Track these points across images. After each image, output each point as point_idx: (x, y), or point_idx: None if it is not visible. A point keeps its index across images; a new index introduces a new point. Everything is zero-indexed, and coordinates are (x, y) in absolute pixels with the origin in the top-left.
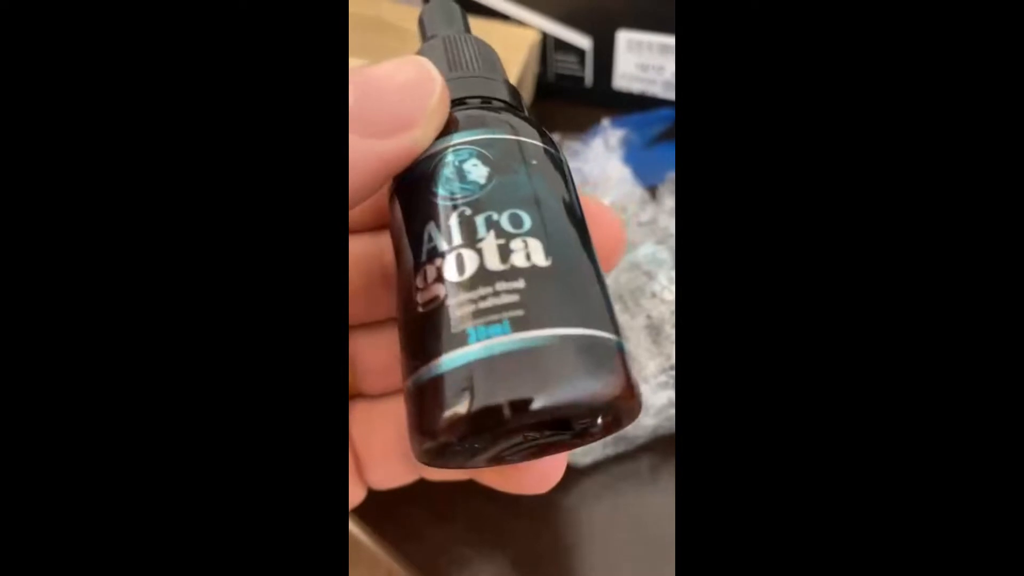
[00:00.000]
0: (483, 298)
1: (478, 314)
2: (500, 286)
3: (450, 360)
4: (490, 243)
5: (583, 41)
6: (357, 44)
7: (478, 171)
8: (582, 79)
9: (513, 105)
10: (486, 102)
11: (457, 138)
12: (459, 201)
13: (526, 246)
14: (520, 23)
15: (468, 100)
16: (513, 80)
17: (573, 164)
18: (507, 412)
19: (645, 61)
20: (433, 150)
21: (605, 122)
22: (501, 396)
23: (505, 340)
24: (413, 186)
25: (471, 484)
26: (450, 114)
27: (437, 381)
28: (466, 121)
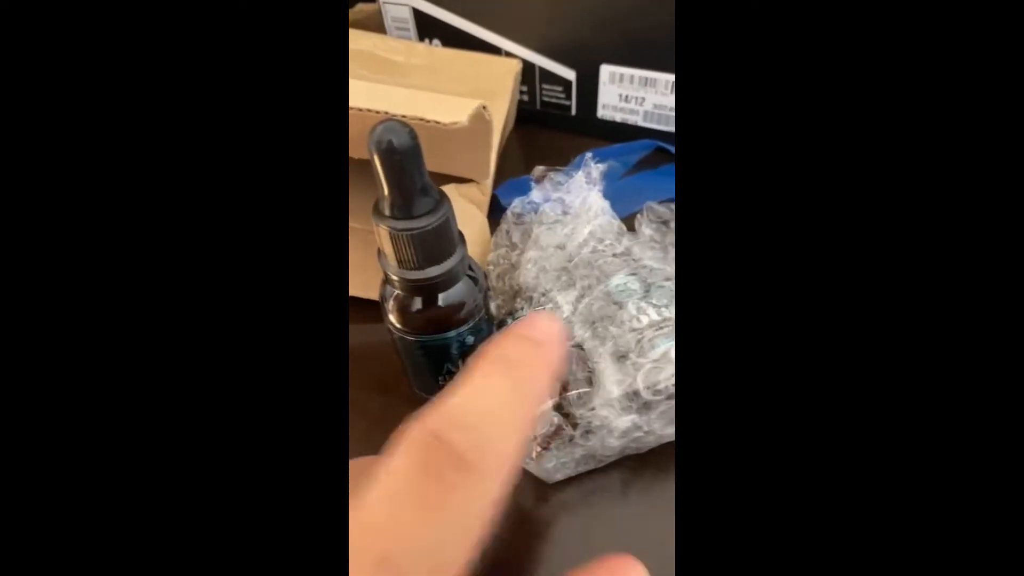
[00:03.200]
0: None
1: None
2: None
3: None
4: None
5: (568, 73)
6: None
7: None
8: (569, 107)
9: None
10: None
11: (465, 327)
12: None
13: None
14: (506, 54)
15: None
16: (504, 107)
17: (557, 194)
18: None
19: (626, 92)
20: (453, 333)
21: (588, 155)
22: None
23: None
24: (438, 348)
25: None
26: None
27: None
28: (462, 315)
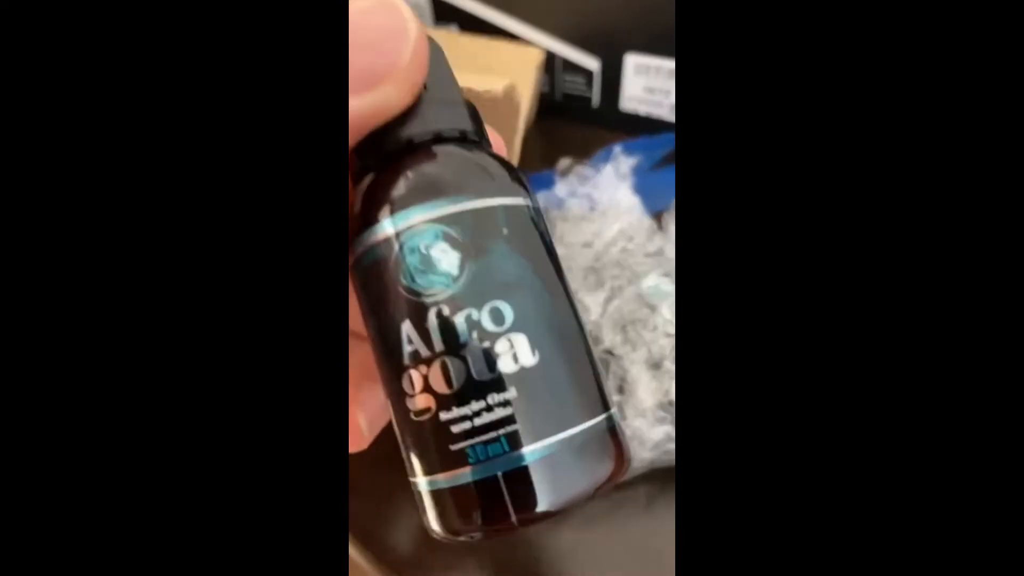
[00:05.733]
0: (476, 414)
1: (474, 432)
2: (492, 399)
3: (453, 479)
4: (474, 348)
5: (591, 63)
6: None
7: (448, 259)
8: (589, 99)
9: (474, 135)
10: (451, 141)
11: (417, 214)
12: (432, 297)
13: (512, 346)
14: (526, 42)
15: (423, 140)
16: (526, 98)
17: (583, 189)
18: (514, 521)
19: (652, 84)
20: (395, 227)
21: (617, 148)
22: (505, 512)
23: (504, 459)
24: (375, 272)
25: None
26: (411, 173)
27: (443, 494)
28: (425, 188)
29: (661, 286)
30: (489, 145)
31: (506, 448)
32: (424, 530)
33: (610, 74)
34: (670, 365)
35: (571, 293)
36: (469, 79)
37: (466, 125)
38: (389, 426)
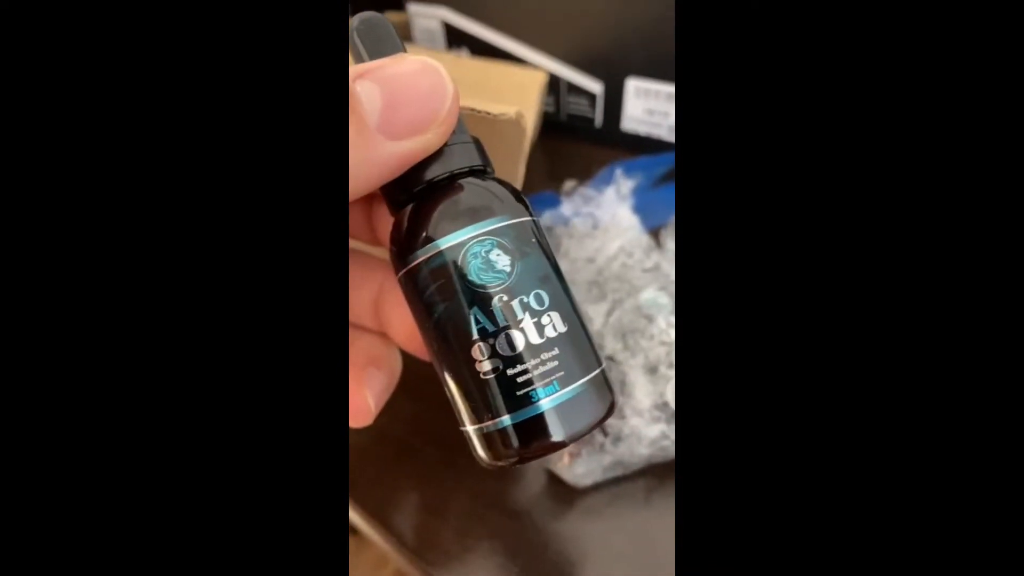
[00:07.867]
0: (535, 367)
1: (534, 380)
2: (544, 355)
3: (517, 416)
4: (528, 323)
5: (595, 86)
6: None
7: (503, 261)
8: (593, 120)
9: (486, 166)
10: (475, 173)
11: (476, 230)
12: (494, 289)
13: (551, 320)
14: (532, 65)
15: (458, 173)
16: (531, 118)
17: (587, 209)
18: (558, 443)
19: (652, 107)
20: (456, 240)
21: (618, 171)
22: (556, 436)
23: (556, 396)
24: (441, 273)
25: (489, 500)
26: (458, 199)
27: (506, 431)
28: (477, 210)
29: (657, 299)
30: (494, 172)
31: (557, 388)
32: (439, 515)
33: (612, 96)
34: (665, 370)
35: (565, 279)
36: (484, 103)
37: (486, 160)
38: (391, 431)
